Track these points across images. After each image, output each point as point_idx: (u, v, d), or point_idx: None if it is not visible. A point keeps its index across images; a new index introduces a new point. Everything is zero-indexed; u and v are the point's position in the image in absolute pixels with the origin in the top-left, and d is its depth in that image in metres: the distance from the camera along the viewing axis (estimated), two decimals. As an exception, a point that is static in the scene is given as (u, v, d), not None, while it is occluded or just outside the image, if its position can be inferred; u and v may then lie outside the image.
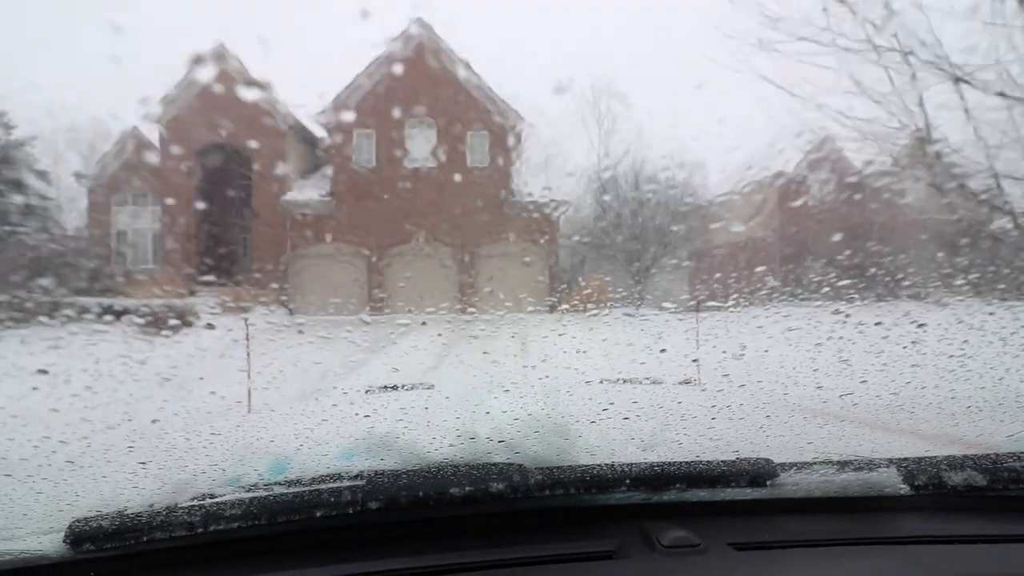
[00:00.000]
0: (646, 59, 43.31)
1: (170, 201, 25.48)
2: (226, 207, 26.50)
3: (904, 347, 7.91)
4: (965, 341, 7.83)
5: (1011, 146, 7.63)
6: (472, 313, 21.52)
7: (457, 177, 24.78)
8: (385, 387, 3.86)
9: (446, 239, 24.73)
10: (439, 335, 16.81)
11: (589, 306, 22.25)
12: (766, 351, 8.91)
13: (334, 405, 3.58)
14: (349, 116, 25.13)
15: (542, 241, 24.75)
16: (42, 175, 24.15)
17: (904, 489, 1.55)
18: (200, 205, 25.46)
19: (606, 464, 1.53)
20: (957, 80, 7.70)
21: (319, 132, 27.04)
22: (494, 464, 1.52)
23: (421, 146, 25.19)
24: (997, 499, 1.61)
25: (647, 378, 4.09)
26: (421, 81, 24.42)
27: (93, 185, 26.44)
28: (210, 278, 24.48)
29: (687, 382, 5.96)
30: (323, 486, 1.44)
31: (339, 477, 1.48)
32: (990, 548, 1.46)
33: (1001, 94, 7.61)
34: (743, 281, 19.73)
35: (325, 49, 42.02)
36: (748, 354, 8.98)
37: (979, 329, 8.02)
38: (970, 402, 7.44)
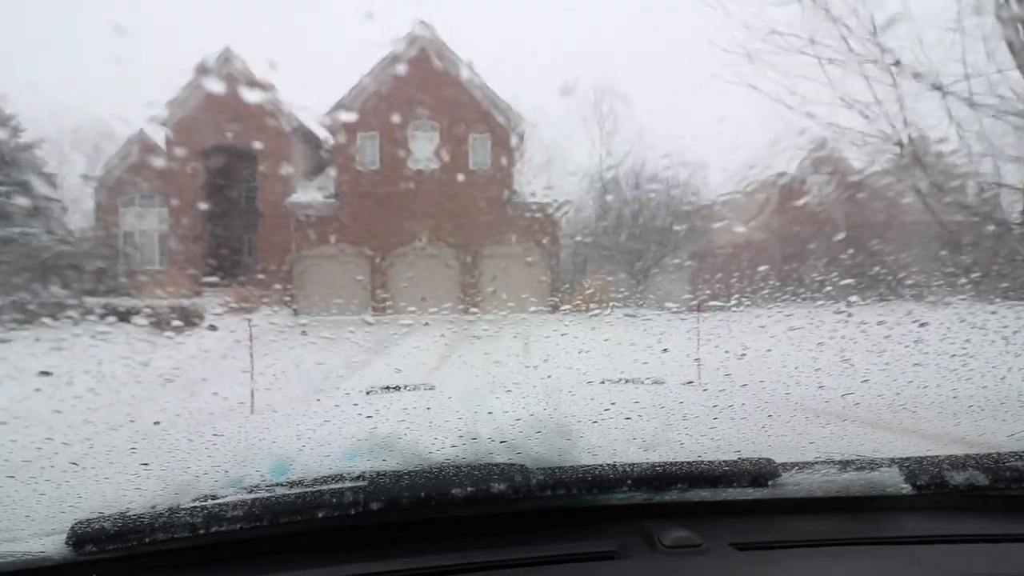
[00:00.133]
0: (647, 59, 43.27)
1: (176, 203, 25.67)
2: (231, 208, 26.71)
3: (906, 346, 7.91)
4: (967, 340, 7.82)
5: (996, 153, 7.69)
6: (474, 313, 21.54)
7: (460, 178, 24.86)
8: (387, 388, 3.86)
9: (449, 240, 24.81)
10: (441, 335, 16.82)
11: (591, 306, 22.24)
12: (768, 351, 8.90)
13: (336, 406, 3.58)
14: (353, 118, 25.20)
15: (544, 241, 24.79)
16: (49, 177, 24.26)
17: (906, 489, 1.55)
18: (206, 206, 25.63)
19: (608, 464, 1.53)
20: (943, 93, 7.78)
21: (323, 134, 27.18)
22: (496, 464, 1.52)
23: (424, 148, 25.31)
24: (999, 499, 1.61)
25: (649, 378, 4.09)
26: (424, 83, 24.50)
27: (100, 187, 26.66)
28: (215, 279, 24.61)
29: (690, 383, 5.97)
30: (325, 487, 1.44)
31: (341, 478, 1.48)
32: (992, 548, 1.46)
33: (977, 104, 7.72)
34: (745, 281, 19.70)
35: (329, 52, 42.08)
36: (750, 354, 8.98)
37: (981, 328, 8.02)
38: (972, 401, 7.43)
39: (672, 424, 2.49)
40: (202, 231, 25.96)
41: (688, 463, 1.55)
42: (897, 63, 7.92)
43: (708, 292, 22.45)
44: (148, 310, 16.67)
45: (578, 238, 28.42)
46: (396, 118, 24.89)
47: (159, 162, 26.35)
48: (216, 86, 25.34)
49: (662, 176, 27.28)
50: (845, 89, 8.20)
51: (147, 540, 1.34)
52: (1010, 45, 7.50)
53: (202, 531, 1.34)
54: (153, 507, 1.40)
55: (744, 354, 9.07)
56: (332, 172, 26.46)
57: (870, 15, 7.99)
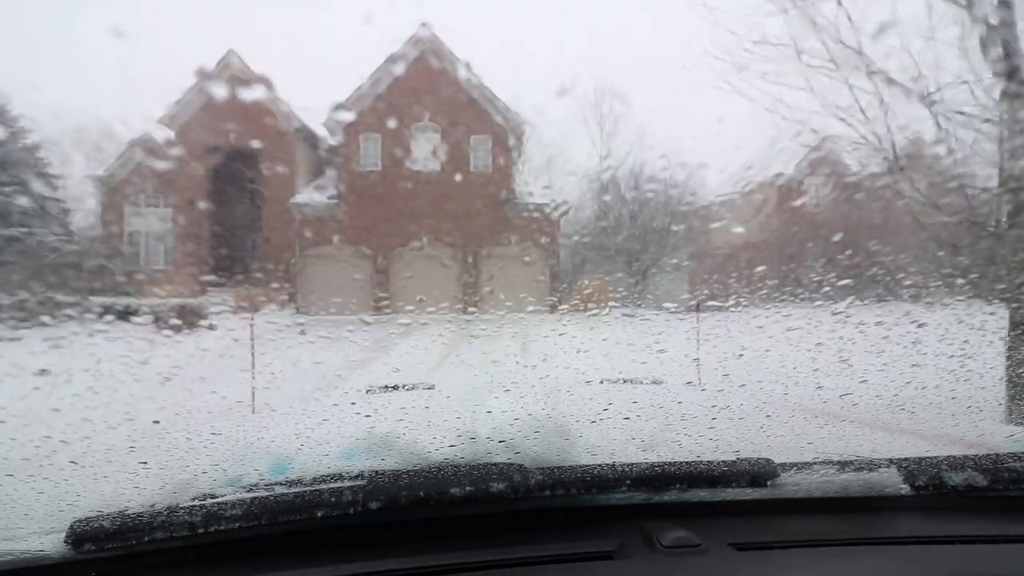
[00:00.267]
0: (647, 59, 43.30)
1: (180, 203, 25.88)
2: (235, 209, 26.93)
3: (905, 347, 7.91)
4: (966, 341, 7.82)
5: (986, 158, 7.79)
6: (473, 313, 21.57)
7: (460, 179, 25.00)
8: (386, 387, 3.86)
9: (449, 240, 24.88)
10: (440, 335, 16.82)
11: (589, 306, 22.27)
12: (767, 351, 8.90)
13: (335, 405, 3.58)
14: (355, 120, 25.31)
15: (543, 241, 24.86)
16: (54, 178, 24.32)
17: (904, 489, 1.55)
18: (210, 207, 25.86)
19: (606, 464, 1.53)
20: (931, 102, 7.88)
21: (326, 136, 27.25)
22: (495, 464, 1.52)
23: (425, 150, 25.46)
24: (997, 499, 1.61)
25: (647, 378, 4.09)
26: (425, 85, 24.63)
27: (104, 187, 26.75)
28: (219, 279, 24.82)
29: (689, 383, 5.97)
30: (324, 486, 1.44)
31: (340, 477, 1.48)
32: (990, 548, 1.46)
33: (962, 112, 7.84)
34: (743, 281, 19.72)
35: (332, 54, 42.14)
36: (748, 354, 8.98)
37: (980, 329, 8.01)
38: (971, 402, 7.44)
39: (671, 424, 2.49)
40: (206, 231, 26.12)
41: (687, 463, 1.55)
42: (882, 72, 8.00)
43: (706, 292, 22.49)
44: (153, 309, 16.69)
45: (577, 238, 28.44)
46: (397, 119, 25.05)
47: (164, 163, 26.51)
48: (220, 88, 25.54)
49: (661, 176, 27.30)
50: (832, 98, 8.29)
51: (146, 539, 1.34)
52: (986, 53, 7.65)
53: (201, 530, 1.34)
54: (152, 506, 1.40)
55: (742, 354, 9.07)
56: (334, 173, 26.58)
57: (855, 25, 8.09)
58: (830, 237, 19.11)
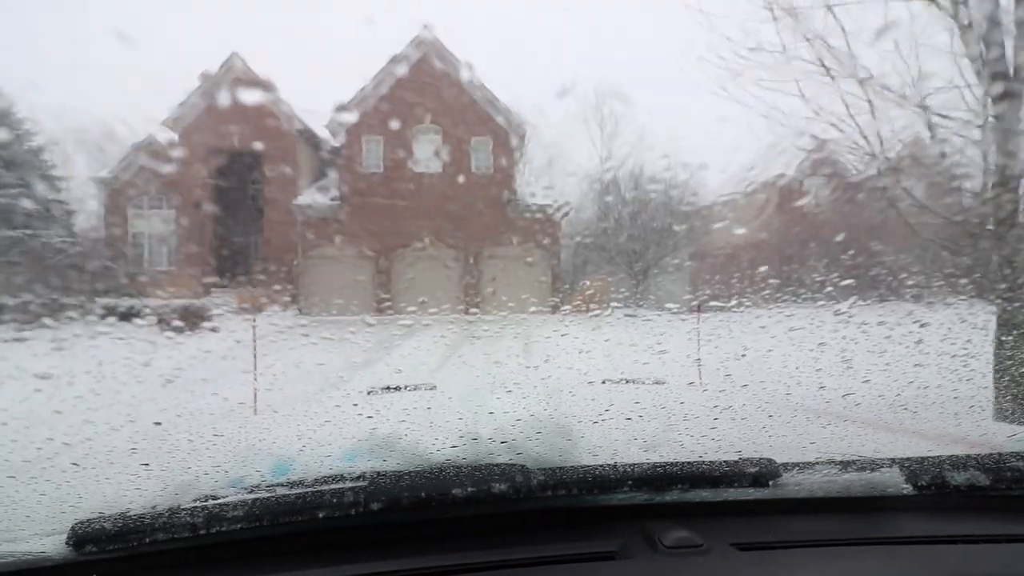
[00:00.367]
0: (647, 60, 43.32)
1: (184, 205, 26.00)
2: (238, 211, 27.06)
3: (907, 347, 7.91)
4: (968, 341, 7.82)
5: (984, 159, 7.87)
6: (475, 314, 21.59)
7: (462, 180, 25.04)
8: (388, 388, 3.85)
9: (451, 241, 24.93)
10: (442, 336, 16.84)
11: (591, 307, 22.28)
12: (769, 351, 8.91)
13: (337, 406, 3.58)
14: (358, 121, 25.41)
15: (545, 242, 24.90)
16: (59, 180, 24.39)
17: (907, 489, 1.55)
18: (213, 209, 25.99)
19: (608, 465, 1.53)
20: (924, 107, 7.96)
21: (328, 138, 27.34)
22: (496, 465, 1.52)
23: (427, 151, 25.53)
24: (1000, 499, 1.61)
25: (650, 379, 4.09)
26: (428, 87, 24.70)
27: (108, 189, 26.86)
28: (222, 280, 24.95)
29: (691, 383, 5.97)
30: (326, 487, 1.44)
31: (341, 478, 1.48)
32: (993, 548, 1.46)
33: (949, 116, 7.94)
34: (745, 281, 19.71)
35: (335, 56, 42.24)
36: (751, 354, 8.98)
37: (982, 329, 8.01)
38: (973, 402, 7.44)
39: (673, 424, 2.48)
40: (209, 233, 26.26)
41: (689, 463, 1.54)
42: (873, 78, 8.07)
43: (708, 293, 22.47)
44: (156, 310, 16.72)
45: (578, 239, 28.46)
46: (400, 121, 25.15)
47: (167, 165, 26.61)
48: (223, 90, 25.62)
49: (662, 177, 27.32)
50: (825, 104, 8.38)
51: (147, 540, 1.34)
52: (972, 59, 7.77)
53: (203, 531, 1.34)
54: (153, 507, 1.40)
55: (744, 355, 9.08)
56: (336, 174, 26.67)
57: (846, 33, 8.17)
58: (832, 237, 19.08)
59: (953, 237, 8.36)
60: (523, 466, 1.49)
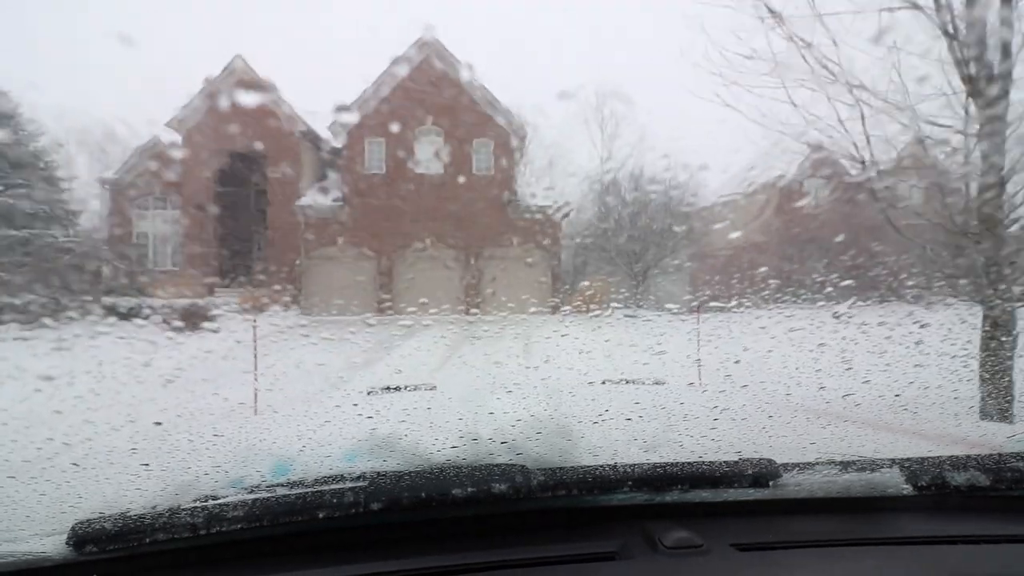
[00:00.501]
0: (648, 60, 43.32)
1: (187, 206, 26.12)
2: (241, 212, 27.23)
3: (907, 347, 7.91)
4: (968, 341, 7.82)
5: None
6: (475, 314, 21.59)
7: (463, 182, 25.08)
8: (388, 388, 3.85)
9: (451, 242, 24.97)
10: (443, 336, 16.84)
11: (591, 307, 22.29)
12: (769, 352, 8.91)
13: (337, 406, 3.57)
14: (361, 123, 25.45)
15: (545, 243, 24.92)
16: (63, 181, 24.41)
17: (907, 489, 1.55)
18: (216, 210, 26.11)
19: (608, 465, 1.52)
20: (915, 113, 8.02)
21: (330, 139, 27.39)
22: (496, 465, 1.52)
23: (428, 152, 25.60)
24: (1000, 500, 1.61)
25: (649, 379, 4.08)
26: (430, 89, 24.75)
27: (113, 191, 27.02)
28: (225, 280, 25.07)
29: (691, 384, 5.97)
30: (326, 487, 1.44)
31: (342, 478, 1.48)
32: (993, 549, 1.46)
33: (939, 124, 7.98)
34: (745, 282, 19.71)
35: (338, 58, 42.29)
36: (750, 355, 8.99)
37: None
38: (973, 402, 7.44)
39: (673, 425, 2.48)
40: (212, 233, 26.38)
41: (689, 464, 1.54)
42: (863, 87, 8.13)
43: (708, 293, 22.47)
44: (158, 310, 16.72)
45: (579, 240, 28.46)
46: (401, 123, 25.23)
47: (171, 166, 26.72)
48: (226, 92, 25.73)
49: (662, 177, 27.32)
50: (817, 111, 8.44)
51: (148, 540, 1.33)
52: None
53: (203, 531, 1.34)
54: (154, 507, 1.40)
55: (743, 356, 9.08)
56: (338, 176, 26.75)
57: (834, 40, 8.21)
58: (832, 238, 19.09)
59: (943, 240, 8.41)
60: (523, 466, 1.48)
